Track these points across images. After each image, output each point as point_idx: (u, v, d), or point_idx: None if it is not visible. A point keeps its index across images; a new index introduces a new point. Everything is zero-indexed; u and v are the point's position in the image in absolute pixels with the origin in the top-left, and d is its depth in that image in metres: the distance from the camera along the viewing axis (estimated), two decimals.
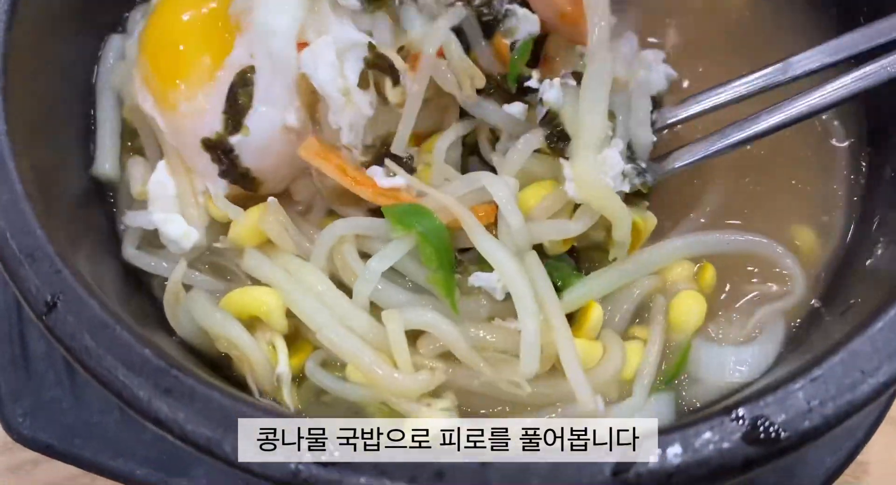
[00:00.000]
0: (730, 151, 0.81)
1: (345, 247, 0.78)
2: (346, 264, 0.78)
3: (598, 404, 0.73)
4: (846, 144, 0.92)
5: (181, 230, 0.81)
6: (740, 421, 0.60)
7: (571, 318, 0.78)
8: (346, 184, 0.78)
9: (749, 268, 0.85)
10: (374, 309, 0.77)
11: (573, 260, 0.83)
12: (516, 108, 0.79)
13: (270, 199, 0.80)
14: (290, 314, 0.77)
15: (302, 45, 0.76)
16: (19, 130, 0.73)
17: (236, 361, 0.77)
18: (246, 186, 0.81)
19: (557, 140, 0.77)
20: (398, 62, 0.75)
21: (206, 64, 0.78)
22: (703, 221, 0.86)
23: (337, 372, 0.77)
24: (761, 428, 0.59)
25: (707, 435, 0.59)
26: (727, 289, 0.84)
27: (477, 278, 0.78)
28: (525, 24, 0.77)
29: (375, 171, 0.79)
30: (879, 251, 0.81)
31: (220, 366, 0.80)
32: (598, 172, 0.74)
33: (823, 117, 0.91)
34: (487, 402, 0.77)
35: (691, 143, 0.83)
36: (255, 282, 0.80)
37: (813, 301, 0.84)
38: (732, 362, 0.78)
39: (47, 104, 0.82)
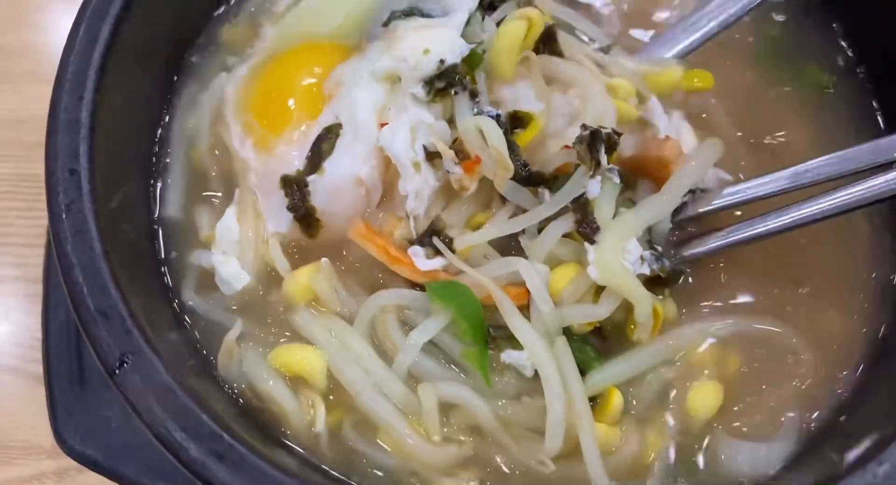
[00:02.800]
0: (754, 242, 0.85)
1: (387, 317, 0.83)
2: (387, 333, 0.83)
3: None
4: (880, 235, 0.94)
5: (234, 272, 0.88)
6: None
7: (594, 400, 0.82)
8: (388, 263, 0.84)
9: (773, 358, 0.87)
10: (409, 378, 0.82)
11: (599, 338, 0.87)
12: (548, 196, 0.84)
13: (323, 260, 0.86)
14: (329, 374, 0.82)
15: (382, 125, 0.86)
16: (99, 186, 0.78)
17: (274, 415, 0.83)
18: (306, 228, 0.88)
19: (588, 227, 0.81)
20: (448, 157, 0.83)
21: (302, 118, 0.90)
22: (722, 304, 0.89)
23: (370, 435, 0.82)
24: None
25: None
26: (751, 377, 0.87)
27: (508, 356, 0.82)
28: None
29: (417, 251, 0.84)
30: None
31: (256, 412, 0.84)
32: (618, 257, 0.80)
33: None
34: (511, 478, 0.82)
35: (714, 230, 0.87)
36: (301, 337, 0.85)
37: (835, 399, 0.86)
38: (746, 457, 0.82)
39: (120, 155, 0.86)
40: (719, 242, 0.87)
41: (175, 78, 0.99)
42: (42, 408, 1.14)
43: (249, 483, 0.67)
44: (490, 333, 0.83)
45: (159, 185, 0.95)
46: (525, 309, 0.82)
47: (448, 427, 0.81)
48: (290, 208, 0.87)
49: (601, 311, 0.81)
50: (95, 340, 0.72)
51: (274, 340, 0.86)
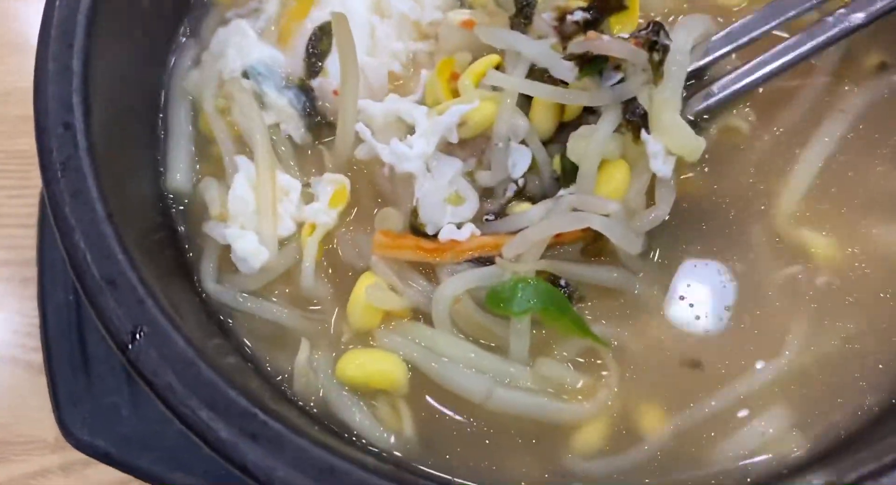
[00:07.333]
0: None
1: (462, 305, 0.74)
2: (471, 320, 0.75)
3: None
4: None
5: (252, 248, 0.79)
6: None
7: None
8: (429, 258, 0.76)
9: None
10: None
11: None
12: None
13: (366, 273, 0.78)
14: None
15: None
16: (97, 144, 0.70)
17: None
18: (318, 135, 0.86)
19: (634, 114, 0.75)
20: None
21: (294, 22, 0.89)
22: None
23: None
24: None
25: None
26: None
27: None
28: None
29: (450, 231, 0.76)
30: None
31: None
32: (684, 126, 0.74)
33: None
34: None
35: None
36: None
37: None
38: None
39: (119, 115, 0.78)
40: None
41: (173, 37, 0.91)
42: (45, 400, 1.08)
43: (291, 466, 0.58)
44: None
45: (166, 151, 0.86)
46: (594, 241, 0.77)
47: None
48: (304, 115, 0.85)
49: (664, 210, 0.76)
50: (102, 312, 0.63)
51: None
